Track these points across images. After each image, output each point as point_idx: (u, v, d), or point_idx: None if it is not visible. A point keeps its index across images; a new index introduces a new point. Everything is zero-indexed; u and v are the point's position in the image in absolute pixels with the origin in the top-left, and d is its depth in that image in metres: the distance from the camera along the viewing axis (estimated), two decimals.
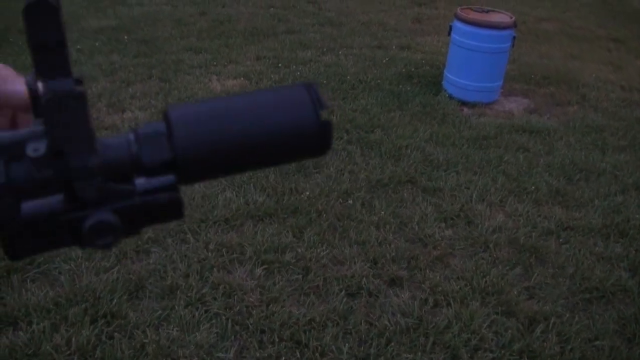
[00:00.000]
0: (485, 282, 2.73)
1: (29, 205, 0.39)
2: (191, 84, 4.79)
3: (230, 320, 2.41)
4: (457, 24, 4.82)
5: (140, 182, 0.40)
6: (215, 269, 2.68)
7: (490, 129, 4.42)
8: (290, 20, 6.95)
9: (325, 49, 6.02)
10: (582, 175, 3.82)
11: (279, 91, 0.41)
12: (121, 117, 4.14)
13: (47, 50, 0.36)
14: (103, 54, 5.32)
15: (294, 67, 5.40)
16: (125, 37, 5.82)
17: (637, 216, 3.37)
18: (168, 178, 0.40)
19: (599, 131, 4.55)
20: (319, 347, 2.31)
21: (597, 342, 2.41)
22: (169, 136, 0.39)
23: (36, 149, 0.38)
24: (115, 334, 2.30)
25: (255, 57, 5.59)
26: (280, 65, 5.40)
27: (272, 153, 0.41)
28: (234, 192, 3.28)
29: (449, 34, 4.96)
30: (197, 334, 2.34)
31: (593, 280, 2.77)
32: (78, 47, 5.42)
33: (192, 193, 3.23)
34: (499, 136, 4.32)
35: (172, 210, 0.42)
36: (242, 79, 5.03)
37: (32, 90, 0.41)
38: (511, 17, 4.81)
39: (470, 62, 4.78)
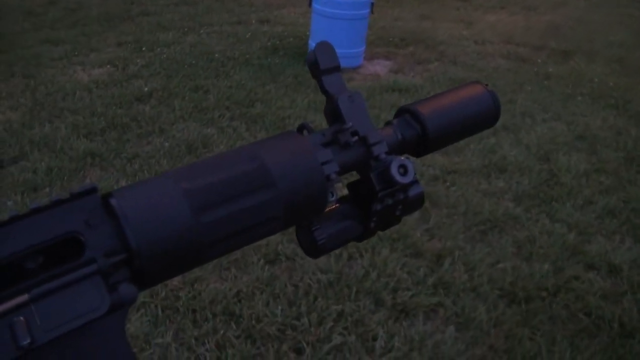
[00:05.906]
0: (390, 230, 2.94)
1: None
2: (56, 77, 4.54)
3: (159, 307, 2.42)
4: None
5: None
6: None
7: (362, 91, 4.65)
8: (143, 2, 6.75)
9: (186, 29, 5.94)
10: None
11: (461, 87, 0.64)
12: None
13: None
14: None
15: (159, 49, 5.29)
16: None
17: (511, 153, 3.77)
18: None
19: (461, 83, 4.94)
20: (253, 315, 2.39)
21: (499, 265, 2.71)
22: (419, 121, 0.58)
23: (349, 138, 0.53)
24: None
25: (116, 44, 5.39)
26: (144, 49, 5.26)
27: (475, 125, 0.63)
28: None
29: (310, 4, 5.12)
30: (129, 325, 2.32)
31: (484, 214, 3.09)
32: None
33: None
34: (372, 97, 4.57)
35: (421, 201, 0.57)
36: (108, 66, 4.85)
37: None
38: None
39: (333, 30, 4.96)
